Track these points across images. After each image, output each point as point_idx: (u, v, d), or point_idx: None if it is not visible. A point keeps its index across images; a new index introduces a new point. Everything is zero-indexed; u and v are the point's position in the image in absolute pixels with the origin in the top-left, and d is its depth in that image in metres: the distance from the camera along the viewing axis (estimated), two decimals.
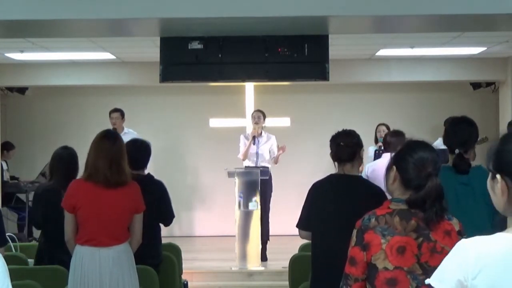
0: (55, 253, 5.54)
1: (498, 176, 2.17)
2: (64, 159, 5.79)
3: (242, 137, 10.12)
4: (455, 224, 3.18)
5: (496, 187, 2.18)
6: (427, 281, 2.24)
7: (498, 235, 2.15)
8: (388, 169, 3.26)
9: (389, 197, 3.32)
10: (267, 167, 9.73)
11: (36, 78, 11.85)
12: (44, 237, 5.84)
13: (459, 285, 2.11)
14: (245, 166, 9.79)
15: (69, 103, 12.94)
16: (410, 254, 3.07)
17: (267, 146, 10.01)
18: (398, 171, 3.20)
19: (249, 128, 10.18)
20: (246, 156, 9.93)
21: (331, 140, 4.68)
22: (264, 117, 10.00)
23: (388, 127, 10.10)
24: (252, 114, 10.09)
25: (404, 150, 3.25)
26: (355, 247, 3.13)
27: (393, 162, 3.25)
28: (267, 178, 9.53)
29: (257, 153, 9.90)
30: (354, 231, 3.16)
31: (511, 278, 2.08)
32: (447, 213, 3.17)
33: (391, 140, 6.86)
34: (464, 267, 2.11)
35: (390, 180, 3.23)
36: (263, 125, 10.02)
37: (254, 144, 9.89)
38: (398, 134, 7.02)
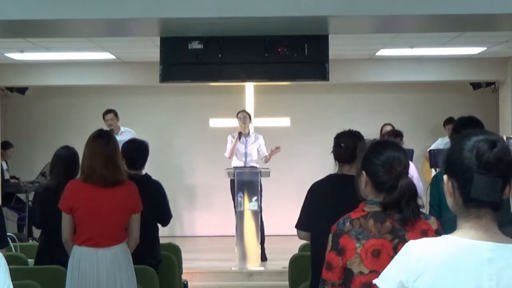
0: (54, 253, 5.53)
1: (445, 177, 2.16)
2: (64, 159, 5.79)
3: (229, 137, 10.18)
4: (433, 223, 3.10)
5: (444, 188, 2.17)
6: (374, 281, 2.23)
7: (445, 237, 2.13)
8: (358, 174, 3.19)
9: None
10: (256, 167, 9.68)
11: (36, 78, 11.85)
12: (44, 237, 5.84)
13: (400, 286, 2.11)
14: (234, 167, 9.72)
15: (69, 103, 12.94)
16: (385, 257, 2.98)
17: (255, 146, 10.10)
18: (367, 175, 3.13)
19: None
20: (232, 153, 10.00)
21: (334, 138, 4.65)
22: (250, 117, 10.11)
23: (393, 127, 10.09)
24: (237, 115, 10.11)
25: (370, 153, 3.15)
26: (331, 252, 3.10)
27: (362, 166, 3.17)
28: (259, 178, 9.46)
29: (245, 153, 9.95)
30: (330, 236, 3.12)
31: (452, 283, 2.05)
32: (423, 212, 3.10)
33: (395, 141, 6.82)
34: (406, 269, 2.10)
35: (362, 185, 3.16)
36: (250, 125, 10.11)
37: (240, 140, 9.93)
38: (396, 134, 6.99)
